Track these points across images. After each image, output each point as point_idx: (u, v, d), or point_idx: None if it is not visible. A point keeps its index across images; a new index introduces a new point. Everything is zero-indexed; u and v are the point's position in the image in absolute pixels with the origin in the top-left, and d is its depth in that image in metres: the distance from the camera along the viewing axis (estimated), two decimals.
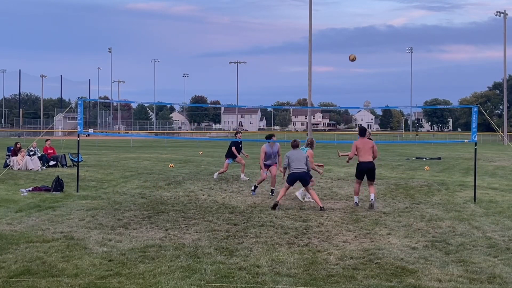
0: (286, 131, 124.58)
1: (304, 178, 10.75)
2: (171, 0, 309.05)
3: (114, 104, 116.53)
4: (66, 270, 6.09)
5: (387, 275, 6.08)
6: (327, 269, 6.31)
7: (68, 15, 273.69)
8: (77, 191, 12.83)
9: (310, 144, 12.08)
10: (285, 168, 11.27)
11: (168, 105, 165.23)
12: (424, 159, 27.48)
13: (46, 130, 42.36)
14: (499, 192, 13.84)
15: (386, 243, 7.69)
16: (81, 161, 19.15)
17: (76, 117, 30.74)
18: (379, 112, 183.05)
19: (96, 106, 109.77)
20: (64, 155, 21.03)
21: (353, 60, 15.47)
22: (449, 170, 20.63)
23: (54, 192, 12.49)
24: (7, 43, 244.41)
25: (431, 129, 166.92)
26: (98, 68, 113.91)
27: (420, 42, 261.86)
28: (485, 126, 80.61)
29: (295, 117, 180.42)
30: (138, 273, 6.02)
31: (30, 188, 13.02)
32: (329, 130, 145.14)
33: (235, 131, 21.53)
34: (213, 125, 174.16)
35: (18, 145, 19.73)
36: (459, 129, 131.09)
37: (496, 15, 66.56)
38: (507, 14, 65.75)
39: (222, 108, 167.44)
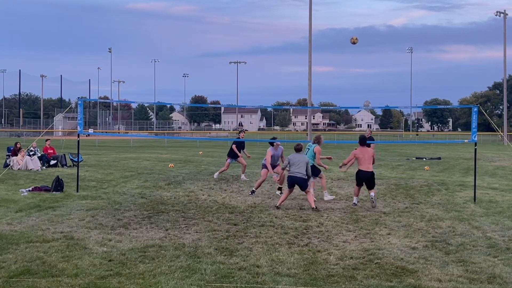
0: (286, 131, 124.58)
1: (301, 184, 10.83)
2: (171, 0, 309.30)
3: (114, 104, 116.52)
4: (66, 270, 6.09)
5: (387, 275, 6.08)
6: (327, 269, 6.31)
7: (68, 15, 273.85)
8: (77, 191, 12.84)
9: (318, 141, 12.13)
10: (283, 169, 11.36)
11: (168, 105, 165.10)
12: (424, 159, 27.47)
13: (46, 130, 42.33)
14: (499, 192, 13.84)
15: (386, 243, 7.70)
16: (81, 161, 19.16)
17: (76, 117, 30.78)
18: (379, 112, 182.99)
19: (96, 106, 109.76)
20: (64, 155, 21.02)
21: (354, 43, 15.57)
22: (449, 170, 20.63)
23: (54, 192, 12.50)
24: (7, 43, 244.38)
25: (431, 129, 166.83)
26: (98, 68, 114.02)
27: (420, 42, 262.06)
28: (485, 126, 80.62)
29: (295, 117, 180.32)
30: (138, 273, 6.02)
31: (30, 188, 13.02)
32: (329, 130, 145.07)
33: (238, 131, 21.47)
34: (213, 125, 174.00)
35: (18, 145, 19.73)
36: (459, 129, 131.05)
37: (496, 15, 66.55)
38: (507, 14, 65.73)
39: (222, 108, 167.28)
